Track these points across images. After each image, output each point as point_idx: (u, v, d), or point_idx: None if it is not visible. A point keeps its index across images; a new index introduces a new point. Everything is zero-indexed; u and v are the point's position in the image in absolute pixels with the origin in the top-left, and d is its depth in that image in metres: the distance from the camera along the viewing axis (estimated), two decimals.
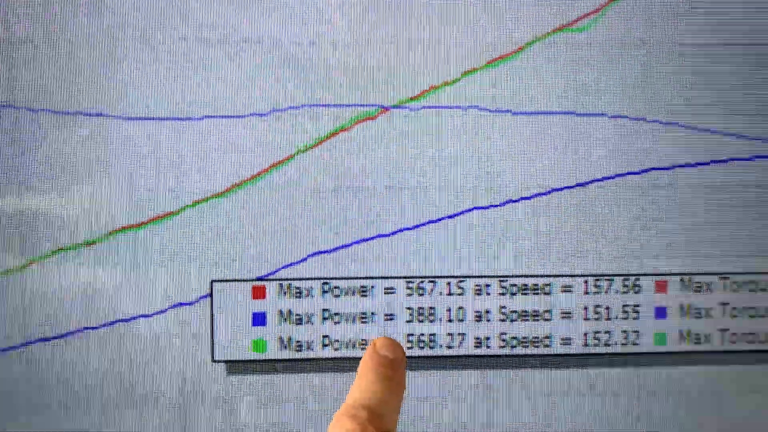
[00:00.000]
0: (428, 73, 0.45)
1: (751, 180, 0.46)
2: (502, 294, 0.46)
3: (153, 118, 0.44)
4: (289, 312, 0.45)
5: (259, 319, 0.45)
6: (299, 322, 0.45)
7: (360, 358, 0.33)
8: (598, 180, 0.46)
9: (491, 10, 0.45)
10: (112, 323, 0.45)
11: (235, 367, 0.45)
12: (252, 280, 0.45)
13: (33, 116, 0.44)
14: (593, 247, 0.46)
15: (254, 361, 0.45)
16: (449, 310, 0.45)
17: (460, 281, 0.45)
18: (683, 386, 0.47)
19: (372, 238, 0.45)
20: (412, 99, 0.45)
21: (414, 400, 0.46)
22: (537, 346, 0.46)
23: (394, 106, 0.45)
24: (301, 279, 0.45)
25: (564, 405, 0.46)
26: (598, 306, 0.46)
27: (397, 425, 0.30)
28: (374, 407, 0.29)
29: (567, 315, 0.46)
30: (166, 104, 0.44)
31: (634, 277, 0.46)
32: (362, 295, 0.45)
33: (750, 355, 0.46)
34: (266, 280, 0.45)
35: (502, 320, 0.46)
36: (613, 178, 0.46)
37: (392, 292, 0.45)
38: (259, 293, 0.45)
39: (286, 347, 0.45)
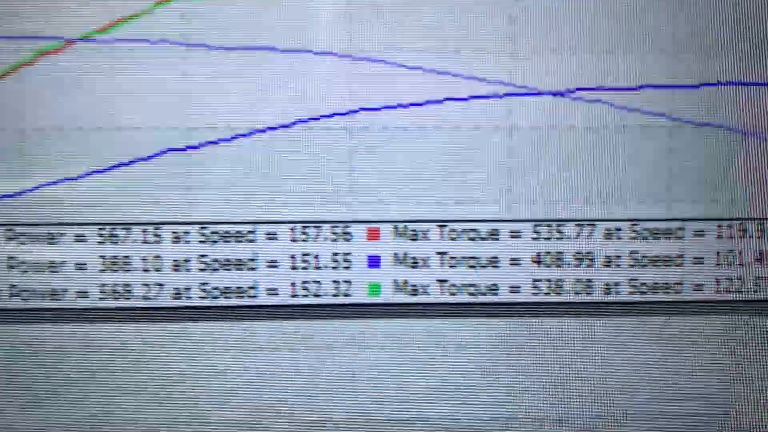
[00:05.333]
0: (117, 3, 0.41)
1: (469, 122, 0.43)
2: (203, 242, 0.43)
3: None
4: None
5: None
6: None
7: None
8: (303, 121, 0.43)
9: None
10: None
11: None
12: None
13: None
14: (298, 192, 0.43)
15: None
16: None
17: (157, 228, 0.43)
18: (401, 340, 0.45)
19: (58, 182, 0.42)
20: (99, 31, 0.42)
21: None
22: (241, 297, 0.44)
23: (81, 39, 0.42)
24: None
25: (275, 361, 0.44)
26: (306, 254, 0.43)
27: None
28: None
29: (273, 264, 0.43)
30: None
31: (343, 225, 0.43)
32: (50, 243, 0.43)
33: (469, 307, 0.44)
34: None
35: (203, 270, 0.43)
36: (318, 119, 0.43)
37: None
38: None
39: None
